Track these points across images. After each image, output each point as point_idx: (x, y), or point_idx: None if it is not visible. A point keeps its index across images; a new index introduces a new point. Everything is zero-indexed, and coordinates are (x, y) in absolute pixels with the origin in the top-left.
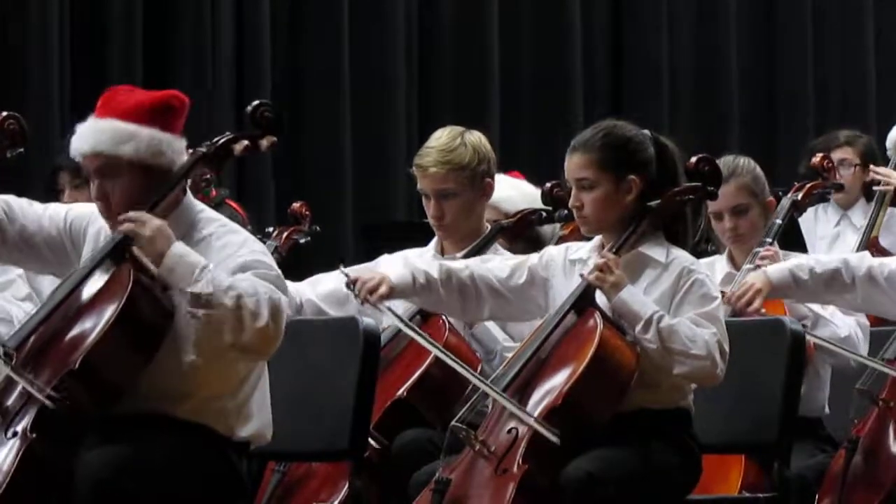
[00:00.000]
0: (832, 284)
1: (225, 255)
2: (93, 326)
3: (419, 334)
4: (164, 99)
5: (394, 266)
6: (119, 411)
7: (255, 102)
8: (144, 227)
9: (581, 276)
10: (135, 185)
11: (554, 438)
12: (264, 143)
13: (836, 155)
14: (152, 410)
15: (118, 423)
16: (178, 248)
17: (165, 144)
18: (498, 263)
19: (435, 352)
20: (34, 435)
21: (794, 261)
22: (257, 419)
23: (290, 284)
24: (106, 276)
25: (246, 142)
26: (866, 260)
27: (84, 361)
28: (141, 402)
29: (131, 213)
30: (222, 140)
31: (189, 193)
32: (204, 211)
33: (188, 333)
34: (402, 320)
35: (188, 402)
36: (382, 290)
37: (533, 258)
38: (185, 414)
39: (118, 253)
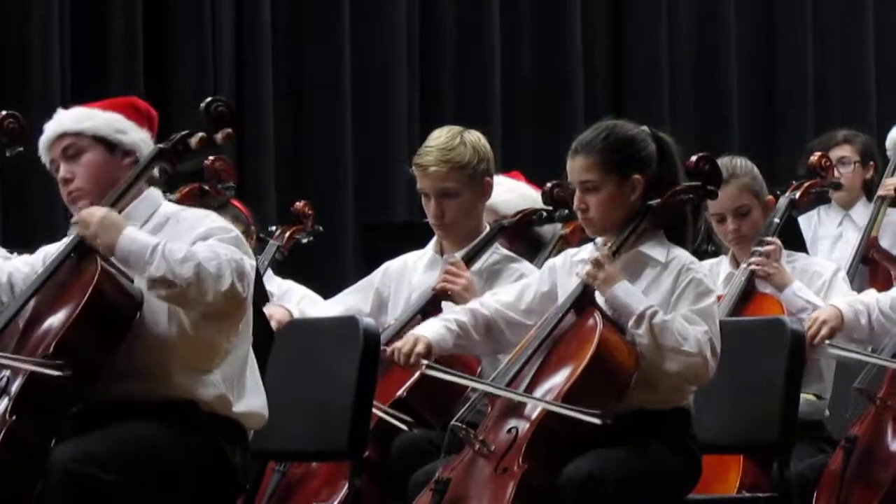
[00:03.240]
0: (870, 320)
1: (186, 228)
2: (64, 315)
3: (457, 376)
4: (129, 98)
5: (426, 324)
6: (105, 396)
7: (209, 99)
8: (88, 224)
9: (577, 275)
10: (99, 161)
11: (573, 414)
12: (219, 136)
13: (835, 153)
14: (139, 391)
15: (96, 413)
16: (127, 235)
17: (128, 126)
18: (504, 292)
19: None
20: (13, 418)
21: (850, 298)
22: (252, 396)
23: (317, 303)
24: (73, 267)
25: (201, 134)
26: (871, 295)
27: (57, 345)
28: (126, 382)
29: (79, 214)
30: (178, 135)
31: (153, 188)
32: (166, 205)
33: (162, 307)
34: (445, 371)
35: (172, 376)
36: (419, 348)
37: (536, 276)
38: (173, 390)
39: (84, 246)
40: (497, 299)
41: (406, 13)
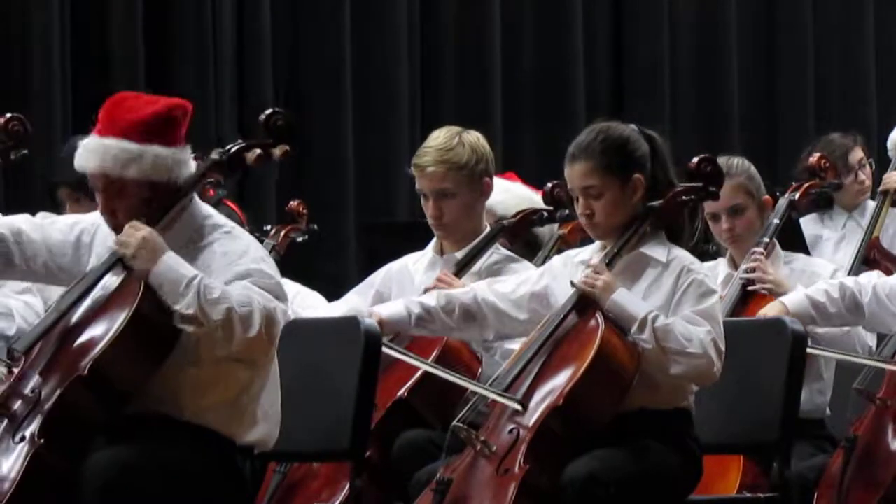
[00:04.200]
0: (851, 306)
1: (225, 263)
2: (102, 333)
3: (409, 356)
4: (166, 111)
5: (390, 302)
6: (127, 412)
7: (269, 111)
8: (130, 243)
9: (572, 283)
10: (141, 202)
11: (494, 396)
12: (277, 151)
13: (854, 156)
14: (158, 412)
15: (125, 424)
16: (164, 263)
17: (171, 160)
18: (503, 282)
19: (426, 368)
20: (41, 440)
21: (811, 287)
22: (263, 425)
23: (315, 298)
24: (117, 280)
25: (259, 150)
26: (871, 279)
27: (93, 368)
28: (147, 404)
29: (122, 234)
30: (235, 148)
31: (197, 199)
32: (211, 217)
33: (186, 344)
34: (392, 348)
35: (189, 408)
36: None
37: (535, 273)
38: (188, 418)
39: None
40: (493, 288)
41: (406, 13)
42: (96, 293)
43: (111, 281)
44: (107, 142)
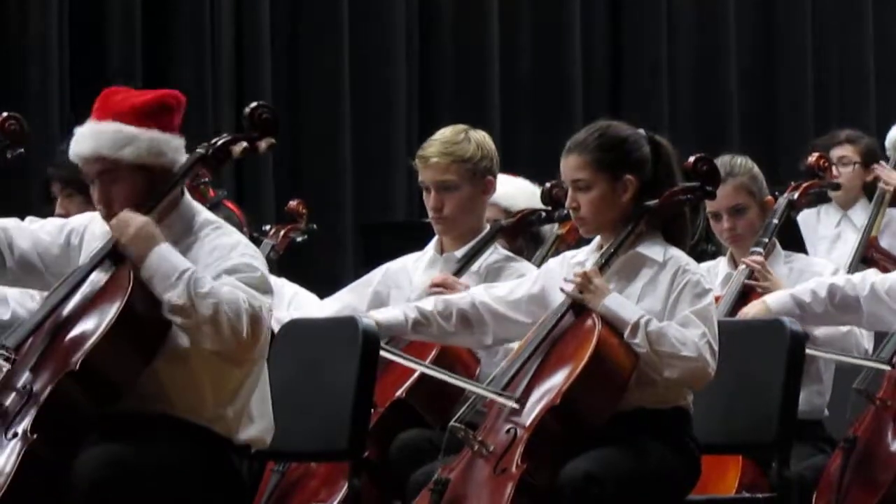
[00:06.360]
0: (842, 306)
1: (215, 258)
2: (93, 328)
3: (406, 358)
4: (160, 98)
5: (388, 307)
6: (120, 410)
7: (254, 104)
8: (126, 229)
9: (562, 289)
10: (136, 186)
11: (489, 394)
12: (263, 144)
13: (836, 152)
14: (152, 410)
15: (118, 422)
16: (158, 253)
17: (165, 144)
18: (499, 285)
19: (422, 369)
20: (34, 436)
21: (798, 287)
22: (258, 423)
23: (311, 300)
24: (106, 276)
25: (245, 143)
26: (869, 277)
27: (84, 363)
28: (140, 402)
29: (118, 217)
30: (221, 142)
31: (187, 194)
32: (201, 213)
33: (180, 341)
34: (389, 351)
35: (180, 406)
36: None
37: (531, 276)
38: (182, 415)
39: (117, 254)
40: (489, 292)
41: (405, 13)
42: (86, 287)
43: (101, 276)
44: (102, 125)
